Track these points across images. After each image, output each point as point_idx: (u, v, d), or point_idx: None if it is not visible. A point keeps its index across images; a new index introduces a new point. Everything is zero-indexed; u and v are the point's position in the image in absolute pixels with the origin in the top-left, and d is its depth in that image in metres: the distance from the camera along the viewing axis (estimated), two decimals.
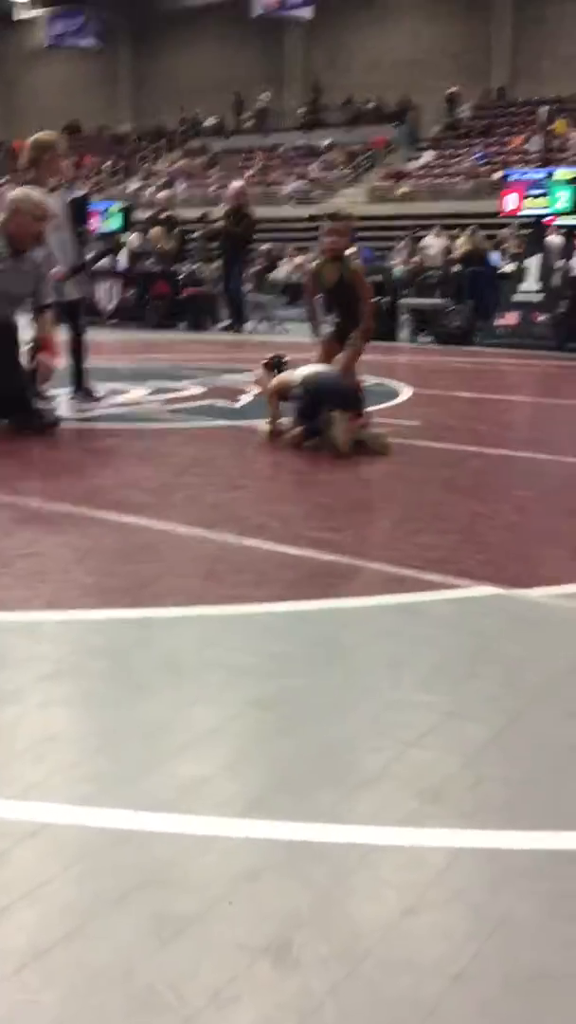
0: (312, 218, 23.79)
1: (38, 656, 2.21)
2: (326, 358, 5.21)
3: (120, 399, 6.56)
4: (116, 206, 15.69)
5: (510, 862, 1.46)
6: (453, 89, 31.05)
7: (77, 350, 6.31)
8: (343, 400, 4.73)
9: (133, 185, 33.10)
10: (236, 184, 14.47)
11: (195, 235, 15.32)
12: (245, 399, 6.54)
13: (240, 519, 3.46)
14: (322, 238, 5.31)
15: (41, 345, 5.17)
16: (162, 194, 16.32)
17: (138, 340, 12.17)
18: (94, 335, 12.77)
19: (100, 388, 6.51)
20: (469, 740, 1.83)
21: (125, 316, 14.10)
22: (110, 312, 14.34)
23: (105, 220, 15.21)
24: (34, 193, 5.15)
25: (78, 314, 6.29)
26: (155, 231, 15.20)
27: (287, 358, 5.27)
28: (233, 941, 1.27)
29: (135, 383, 7.37)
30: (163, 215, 14.85)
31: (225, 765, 1.73)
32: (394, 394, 7.11)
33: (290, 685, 2.06)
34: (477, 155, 27.99)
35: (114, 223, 15.27)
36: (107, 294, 14.45)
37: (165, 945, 1.26)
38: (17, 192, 5.19)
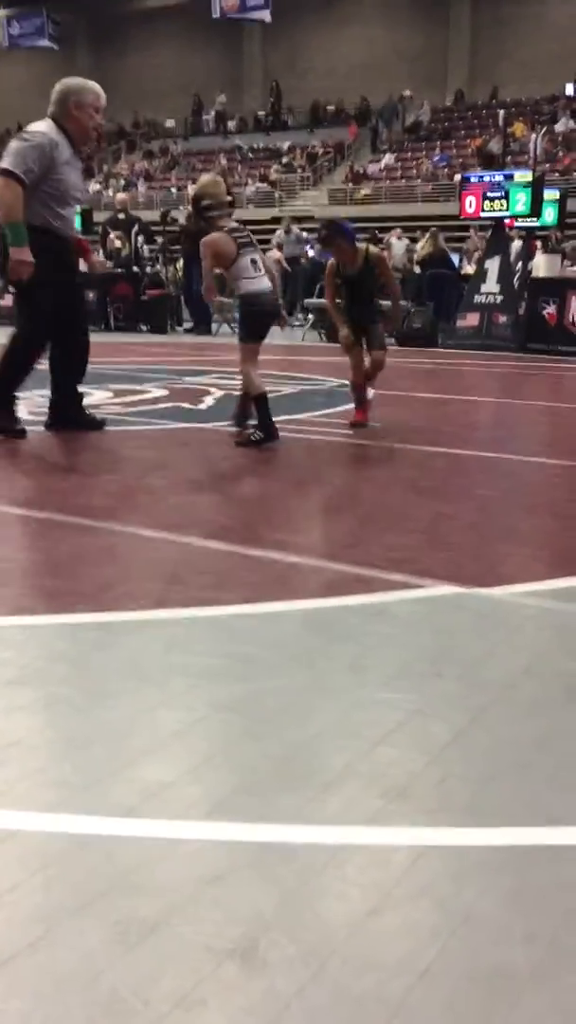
0: (274, 220, 23.83)
1: (0, 662, 2.19)
2: (358, 359, 5.51)
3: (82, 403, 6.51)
4: (76, 208, 15.57)
5: (474, 858, 1.48)
6: (406, 93, 31.28)
7: None
8: None
9: (93, 187, 32.94)
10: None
11: (157, 237, 15.27)
12: (208, 401, 6.53)
13: (203, 521, 3.45)
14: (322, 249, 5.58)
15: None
16: (120, 195, 16.22)
17: (99, 343, 12.10)
18: None
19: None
20: (433, 738, 1.84)
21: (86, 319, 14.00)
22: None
23: None
24: (89, 83, 5.08)
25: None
26: (114, 233, 15.12)
27: None
28: (199, 944, 1.27)
29: (97, 386, 7.33)
30: (120, 215, 14.75)
31: (190, 768, 1.72)
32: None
33: (255, 687, 2.06)
34: (437, 158, 28.20)
35: (76, 224, 15.15)
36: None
37: (130, 950, 1.25)
38: (70, 81, 5.08)
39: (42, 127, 4.98)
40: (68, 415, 5.36)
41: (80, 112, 5.03)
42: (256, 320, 4.99)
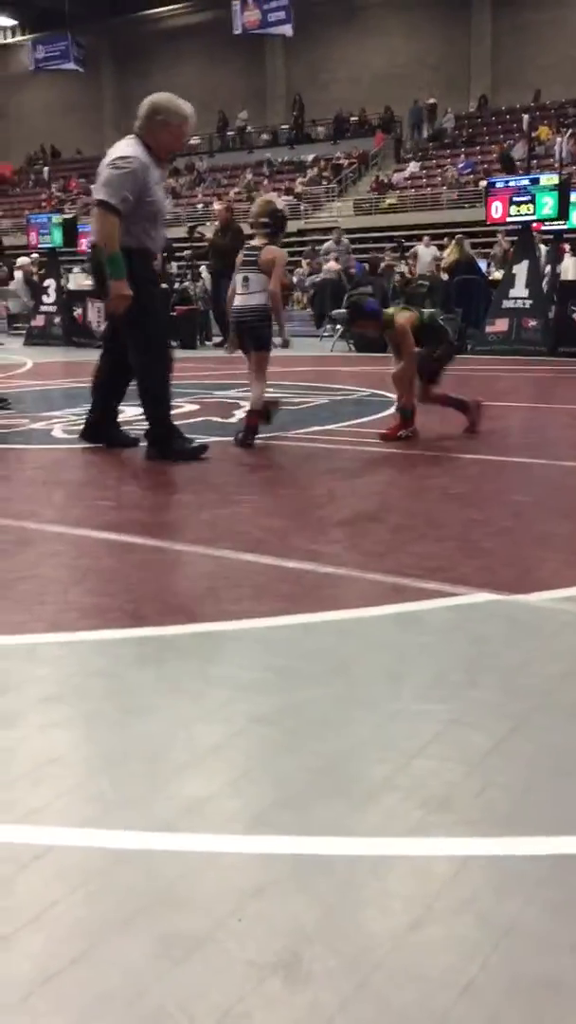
0: (300, 232, 23.92)
1: (38, 679, 2.21)
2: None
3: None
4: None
5: (516, 869, 1.46)
6: (431, 100, 31.28)
7: None
8: None
9: None
10: (221, 202, 14.57)
11: (185, 252, 15.38)
12: (239, 414, 6.55)
13: (237, 534, 3.46)
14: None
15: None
16: None
17: None
18: (86, 356, 12.80)
19: None
20: (472, 748, 1.82)
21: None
22: (102, 333, 14.38)
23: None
24: (178, 102, 5.08)
25: None
26: None
27: None
28: (242, 958, 1.27)
29: (128, 403, 7.38)
30: None
31: (228, 782, 1.72)
32: (387, 404, 7.13)
33: (292, 699, 2.06)
34: (462, 165, 28.15)
35: None
36: (98, 315, 14.49)
37: (174, 965, 1.26)
38: (159, 98, 5.09)
39: (130, 150, 4.92)
40: (102, 431, 5.38)
41: (166, 131, 4.99)
42: (233, 333, 5.49)
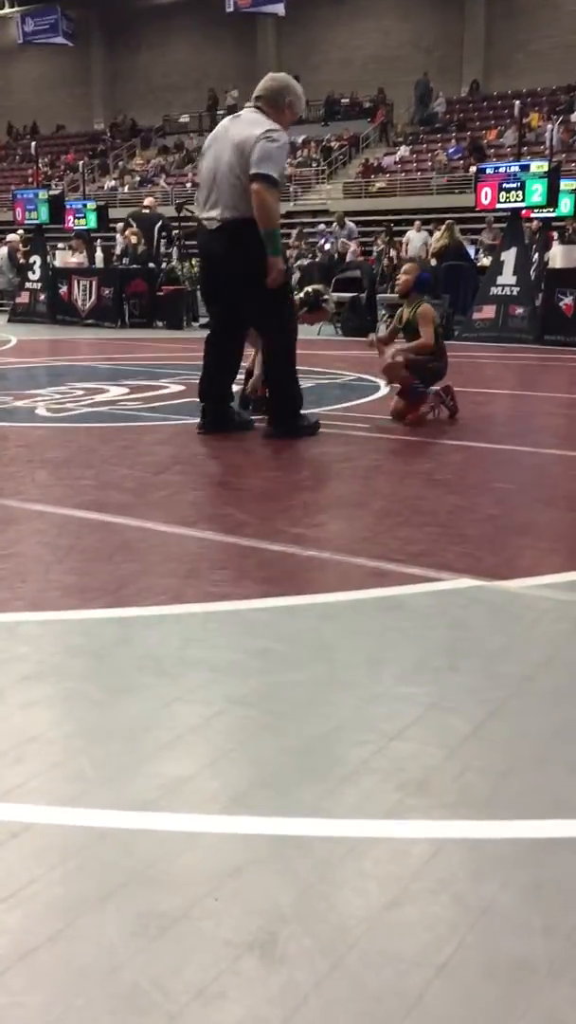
0: (289, 215, 23.79)
1: (19, 657, 2.20)
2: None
3: (98, 398, 6.55)
4: (91, 204, 15.61)
5: (492, 852, 1.47)
6: (422, 77, 31.00)
7: None
8: None
9: (108, 183, 32.98)
10: None
11: (175, 232, 15.27)
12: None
13: (221, 516, 3.46)
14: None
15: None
16: (148, 200, 16.25)
17: (116, 339, 12.14)
18: (71, 334, 12.73)
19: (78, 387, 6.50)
20: (451, 732, 1.83)
21: (102, 315, 14.05)
22: (87, 311, 14.29)
23: (80, 219, 15.15)
24: (300, 88, 5.13)
25: None
26: (129, 230, 15.13)
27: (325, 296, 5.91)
28: (218, 937, 1.27)
29: (113, 382, 7.36)
30: (145, 211, 14.75)
31: (208, 763, 1.73)
32: (374, 389, 7.13)
33: (272, 681, 2.07)
34: (452, 150, 28.04)
35: (89, 222, 15.21)
36: (83, 293, 14.40)
37: (150, 943, 1.26)
38: (290, 81, 5.10)
39: (270, 122, 4.90)
40: (222, 419, 5.28)
41: (288, 112, 5.04)
42: None
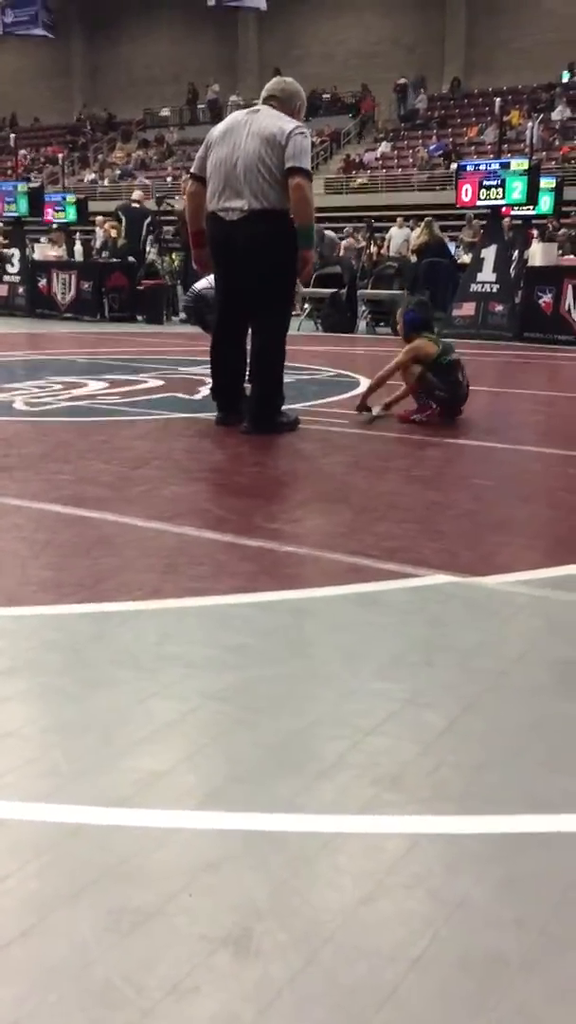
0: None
1: None
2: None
3: (77, 392, 6.52)
4: (71, 198, 15.53)
5: (466, 846, 1.48)
6: (402, 80, 31.10)
7: None
8: None
9: (88, 176, 32.80)
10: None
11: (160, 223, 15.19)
12: (204, 391, 6.52)
13: (199, 512, 3.45)
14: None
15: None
16: (137, 193, 16.16)
17: (95, 333, 12.09)
18: (50, 328, 12.66)
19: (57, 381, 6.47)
20: (427, 727, 1.84)
21: (81, 309, 13.98)
22: (66, 305, 14.22)
23: (59, 212, 15.07)
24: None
25: None
26: (109, 223, 15.06)
27: None
28: (192, 933, 1.27)
29: (92, 377, 7.32)
30: (135, 205, 14.65)
31: (183, 758, 1.72)
32: (353, 384, 7.14)
33: (248, 677, 2.06)
34: (433, 147, 28.10)
35: (69, 215, 15.14)
36: (62, 287, 14.32)
37: (123, 939, 1.26)
38: (299, 88, 5.22)
39: (294, 120, 4.98)
40: (238, 406, 5.27)
41: (297, 117, 5.10)
42: None
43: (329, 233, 16.47)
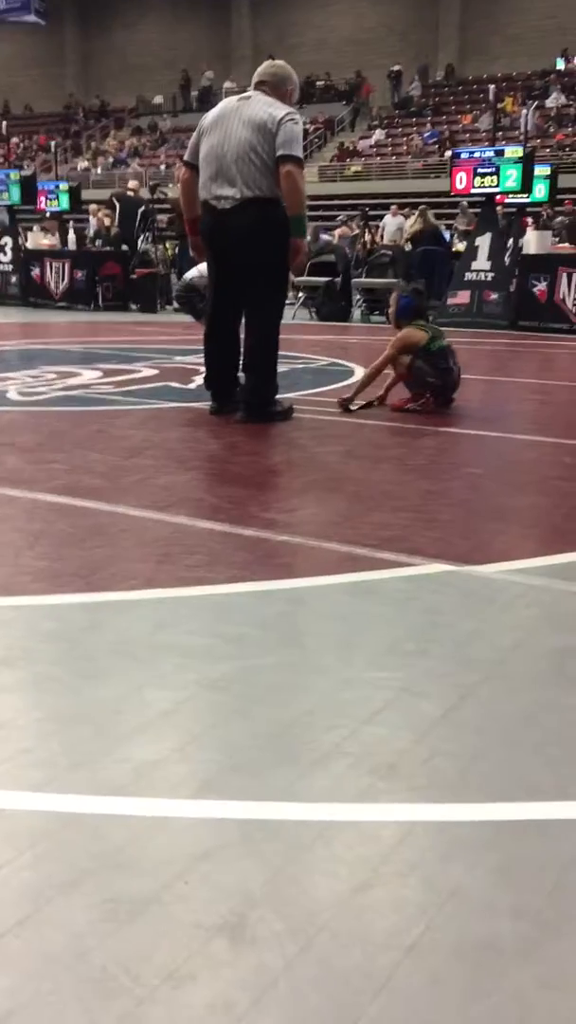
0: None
1: None
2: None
3: (71, 382, 6.50)
4: (64, 186, 15.44)
5: (461, 834, 1.48)
6: (396, 67, 30.99)
7: None
8: None
9: (81, 164, 32.64)
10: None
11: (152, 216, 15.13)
12: (198, 380, 6.50)
13: (193, 501, 3.45)
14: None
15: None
16: (132, 182, 16.08)
17: (89, 322, 12.05)
18: (44, 317, 12.63)
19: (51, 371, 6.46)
20: (422, 716, 1.84)
21: (75, 298, 13.93)
22: (60, 294, 14.17)
23: (52, 200, 14.99)
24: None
25: None
26: (102, 211, 14.99)
27: None
28: (188, 921, 1.27)
29: (86, 366, 7.30)
30: (130, 193, 14.59)
31: (178, 747, 1.73)
32: (348, 373, 7.13)
33: (244, 666, 2.07)
34: (427, 134, 28.01)
35: (62, 203, 15.06)
36: (56, 276, 14.27)
37: (119, 927, 1.26)
38: (291, 71, 5.19)
39: (286, 106, 4.95)
40: (232, 400, 5.26)
41: (288, 101, 5.07)
42: None
43: (324, 236, 16.39)
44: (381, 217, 18.01)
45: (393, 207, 18.37)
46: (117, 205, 14.30)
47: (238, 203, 4.84)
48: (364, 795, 1.58)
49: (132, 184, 15.30)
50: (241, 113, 4.86)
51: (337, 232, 16.59)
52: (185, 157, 5.25)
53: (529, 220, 13.75)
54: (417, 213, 14.50)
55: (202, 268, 6.04)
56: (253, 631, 2.26)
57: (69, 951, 1.21)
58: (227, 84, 30.10)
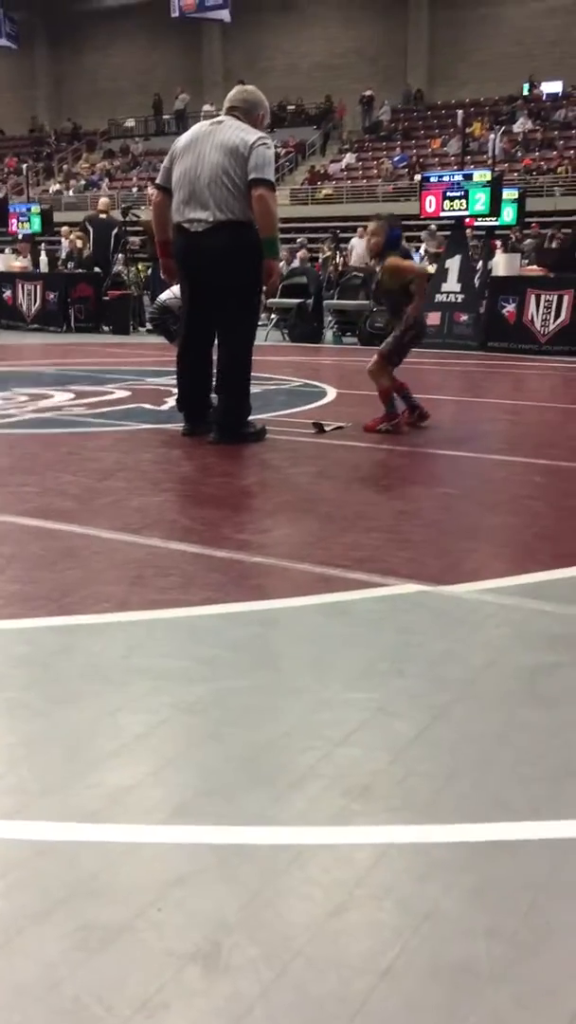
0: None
1: None
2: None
3: (43, 404, 6.48)
4: (36, 208, 15.45)
5: (436, 855, 1.48)
6: (368, 92, 31.36)
7: None
8: None
9: (53, 187, 32.68)
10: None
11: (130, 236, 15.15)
12: (171, 402, 6.50)
13: (166, 523, 3.44)
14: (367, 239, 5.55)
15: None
16: (103, 199, 16.09)
17: (61, 344, 12.02)
18: (15, 340, 12.60)
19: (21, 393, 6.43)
20: (396, 736, 1.84)
21: (47, 320, 13.91)
22: (32, 316, 14.14)
23: (24, 222, 14.99)
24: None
25: None
26: (74, 233, 15.01)
27: None
28: (161, 948, 1.26)
29: (58, 387, 7.28)
30: (102, 215, 14.60)
31: (152, 772, 1.71)
32: (321, 395, 7.16)
33: (218, 688, 2.06)
34: (397, 158, 28.31)
35: (33, 225, 15.06)
36: (28, 298, 14.24)
37: (92, 956, 1.24)
38: (262, 97, 5.23)
39: (257, 131, 5.00)
40: (204, 422, 5.28)
41: (260, 126, 5.12)
42: None
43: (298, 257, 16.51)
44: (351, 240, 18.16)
45: (360, 229, 18.52)
46: (91, 229, 14.31)
47: (211, 226, 4.87)
48: (339, 817, 1.57)
49: (103, 203, 15.32)
50: (214, 138, 4.91)
51: (298, 254, 16.73)
52: (158, 181, 5.28)
53: (498, 243, 13.92)
54: None
55: (176, 290, 6.07)
56: (227, 653, 2.25)
57: (41, 981, 1.20)
58: (206, 107, 30.29)
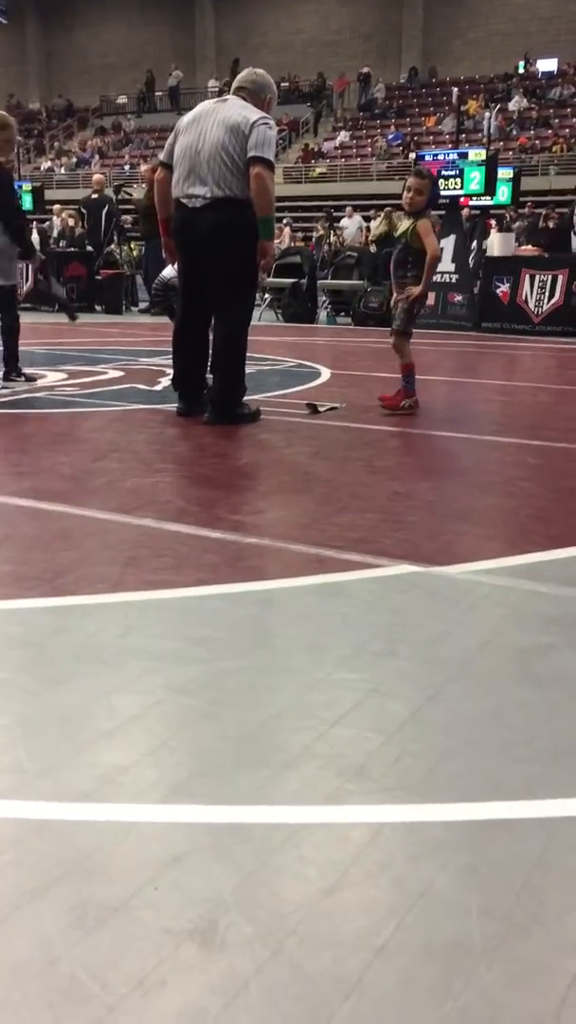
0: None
1: None
2: None
3: (36, 384, 6.45)
4: (27, 186, 15.33)
5: (430, 835, 1.49)
6: (364, 70, 31.13)
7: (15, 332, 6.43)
8: None
9: (44, 164, 32.42)
10: (149, 164, 14.35)
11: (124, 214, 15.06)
12: (164, 382, 6.48)
13: (160, 504, 3.44)
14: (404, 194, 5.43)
15: None
16: (96, 176, 15.95)
17: (53, 323, 11.96)
18: None
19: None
20: (390, 716, 1.85)
21: (39, 300, 13.82)
22: (23, 296, 14.04)
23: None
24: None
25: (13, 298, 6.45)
26: (66, 212, 14.91)
27: None
28: (158, 926, 1.27)
29: (51, 367, 7.25)
30: (94, 195, 14.50)
31: (147, 752, 1.72)
32: (315, 375, 7.14)
33: (212, 669, 2.06)
34: (391, 136, 28.13)
35: (25, 203, 14.92)
36: (19, 277, 14.14)
37: (88, 934, 1.25)
38: (270, 80, 5.25)
39: (260, 111, 4.98)
40: (199, 404, 5.26)
41: (266, 108, 5.10)
42: None
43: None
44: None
45: (348, 208, 18.43)
46: (85, 213, 14.23)
47: (208, 202, 4.85)
48: (333, 797, 1.58)
49: (96, 179, 15.19)
50: (217, 114, 4.90)
51: (285, 231, 16.67)
52: (162, 157, 5.25)
53: (492, 223, 13.87)
54: (383, 215, 14.56)
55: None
56: (221, 634, 2.26)
57: (38, 959, 1.20)
58: (211, 83, 30.02)
